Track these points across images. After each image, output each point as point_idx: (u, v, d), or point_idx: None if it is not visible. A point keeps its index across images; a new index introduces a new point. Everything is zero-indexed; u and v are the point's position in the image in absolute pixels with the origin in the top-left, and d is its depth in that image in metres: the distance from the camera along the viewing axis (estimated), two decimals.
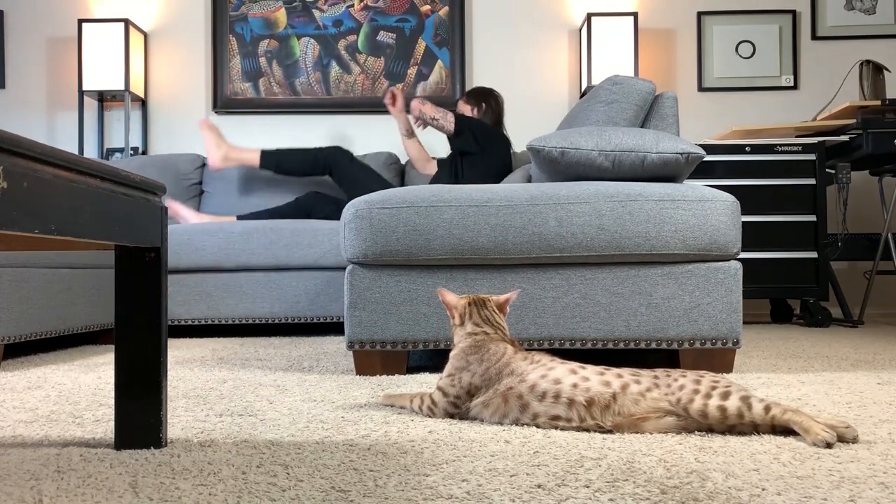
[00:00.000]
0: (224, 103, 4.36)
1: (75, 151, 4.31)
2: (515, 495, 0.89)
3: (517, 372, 1.29)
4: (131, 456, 1.10)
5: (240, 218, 3.41)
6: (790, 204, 3.54)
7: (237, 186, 3.81)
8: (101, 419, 1.38)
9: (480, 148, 3.19)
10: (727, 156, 3.56)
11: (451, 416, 1.36)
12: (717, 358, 1.93)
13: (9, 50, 4.41)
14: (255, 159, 3.53)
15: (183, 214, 3.42)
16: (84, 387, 1.78)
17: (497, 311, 1.42)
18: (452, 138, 3.22)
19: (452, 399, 1.34)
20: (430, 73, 4.36)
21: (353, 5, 4.38)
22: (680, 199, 1.90)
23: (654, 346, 1.92)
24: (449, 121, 3.18)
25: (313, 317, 3.11)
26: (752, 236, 3.53)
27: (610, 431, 1.22)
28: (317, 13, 4.39)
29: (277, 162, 3.54)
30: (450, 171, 3.30)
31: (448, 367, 1.38)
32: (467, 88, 4.35)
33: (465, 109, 3.46)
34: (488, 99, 3.46)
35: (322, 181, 3.75)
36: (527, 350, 1.38)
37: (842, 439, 1.14)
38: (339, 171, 3.50)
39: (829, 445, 1.11)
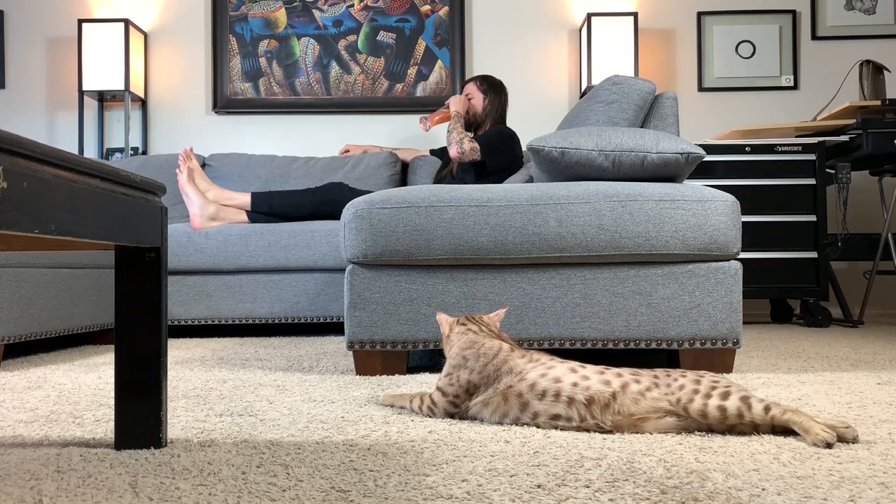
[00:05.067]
0: (224, 103, 4.36)
1: (75, 151, 4.31)
2: (515, 495, 0.89)
3: (516, 370, 1.29)
4: (131, 456, 1.10)
5: (254, 195, 3.30)
6: (790, 204, 3.54)
7: (240, 187, 3.80)
8: (101, 419, 1.38)
9: (496, 158, 3.16)
10: (727, 156, 3.56)
11: (451, 416, 1.36)
12: (717, 358, 1.93)
13: (9, 50, 4.41)
14: (244, 204, 3.31)
15: (199, 185, 3.23)
16: (84, 387, 1.78)
17: (485, 320, 1.44)
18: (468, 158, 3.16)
19: (451, 398, 1.35)
20: (430, 73, 4.36)
21: (353, 5, 4.38)
22: (680, 199, 1.90)
23: (654, 346, 1.92)
24: (472, 149, 3.11)
25: (313, 317, 3.11)
26: (752, 236, 3.53)
27: (610, 431, 1.22)
28: (317, 13, 4.39)
29: (271, 204, 3.32)
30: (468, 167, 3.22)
31: (446, 368, 1.38)
32: None
33: (474, 92, 3.37)
34: (500, 93, 3.37)
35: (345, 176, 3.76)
36: (526, 349, 1.38)
37: (842, 439, 1.14)
38: (342, 205, 3.25)
39: (829, 445, 1.11)
